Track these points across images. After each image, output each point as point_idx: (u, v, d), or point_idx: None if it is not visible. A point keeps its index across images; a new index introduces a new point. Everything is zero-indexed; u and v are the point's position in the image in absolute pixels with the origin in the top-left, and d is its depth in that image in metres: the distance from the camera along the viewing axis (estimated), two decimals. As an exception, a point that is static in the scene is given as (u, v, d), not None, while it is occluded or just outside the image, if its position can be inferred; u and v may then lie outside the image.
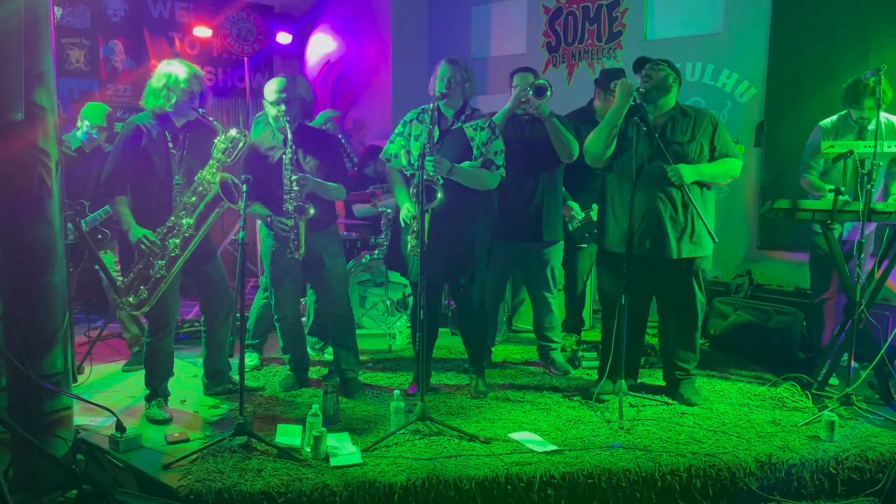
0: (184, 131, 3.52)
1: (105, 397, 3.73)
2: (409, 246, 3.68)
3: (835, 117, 4.20)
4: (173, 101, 3.43)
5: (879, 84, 3.72)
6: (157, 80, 3.46)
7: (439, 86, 3.68)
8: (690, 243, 3.62)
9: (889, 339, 4.01)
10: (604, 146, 3.66)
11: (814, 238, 4.19)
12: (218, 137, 3.48)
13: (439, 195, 3.46)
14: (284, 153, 3.60)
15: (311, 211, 3.56)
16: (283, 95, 3.61)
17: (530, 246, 4.26)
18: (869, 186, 3.51)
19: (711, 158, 3.64)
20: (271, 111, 3.64)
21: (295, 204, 3.57)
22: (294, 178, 3.56)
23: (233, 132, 3.49)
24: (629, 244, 3.54)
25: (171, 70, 3.46)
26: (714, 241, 3.59)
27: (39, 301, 2.86)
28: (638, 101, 3.56)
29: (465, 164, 3.66)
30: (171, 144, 3.47)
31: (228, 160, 3.45)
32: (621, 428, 3.35)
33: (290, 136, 3.57)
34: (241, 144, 3.47)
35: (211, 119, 3.55)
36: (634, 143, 3.47)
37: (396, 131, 3.85)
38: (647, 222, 3.60)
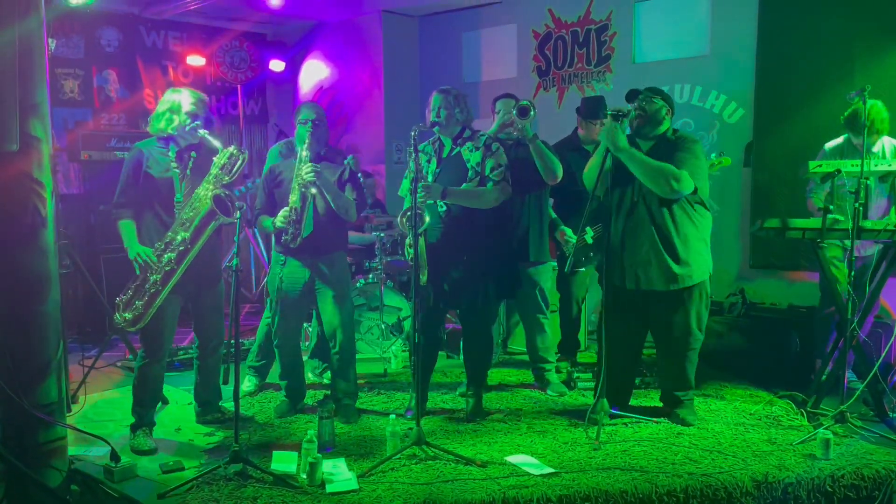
0: (188, 153, 3.60)
1: (100, 427, 3.72)
2: (408, 256, 3.69)
3: (840, 140, 4.23)
4: (175, 123, 3.56)
5: (861, 114, 3.78)
6: (162, 105, 3.61)
7: (432, 116, 3.78)
8: (676, 274, 3.56)
9: (882, 356, 4.03)
10: (595, 178, 3.62)
11: (817, 252, 4.19)
12: (217, 154, 3.55)
13: (427, 218, 3.60)
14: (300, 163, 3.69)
15: (313, 189, 3.62)
16: (313, 116, 3.77)
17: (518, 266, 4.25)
18: (857, 205, 3.53)
19: None
20: (301, 130, 3.78)
21: (302, 189, 3.63)
22: (308, 167, 3.61)
23: (231, 149, 3.57)
24: (617, 276, 3.56)
25: (175, 97, 3.60)
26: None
27: (33, 330, 2.86)
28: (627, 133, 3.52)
29: (464, 185, 3.72)
30: (174, 165, 3.55)
31: (227, 177, 3.51)
32: (596, 448, 3.36)
33: (310, 152, 3.69)
34: (239, 161, 3.54)
35: (213, 139, 3.59)
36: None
37: (406, 173, 3.88)
38: (636, 255, 3.59)
